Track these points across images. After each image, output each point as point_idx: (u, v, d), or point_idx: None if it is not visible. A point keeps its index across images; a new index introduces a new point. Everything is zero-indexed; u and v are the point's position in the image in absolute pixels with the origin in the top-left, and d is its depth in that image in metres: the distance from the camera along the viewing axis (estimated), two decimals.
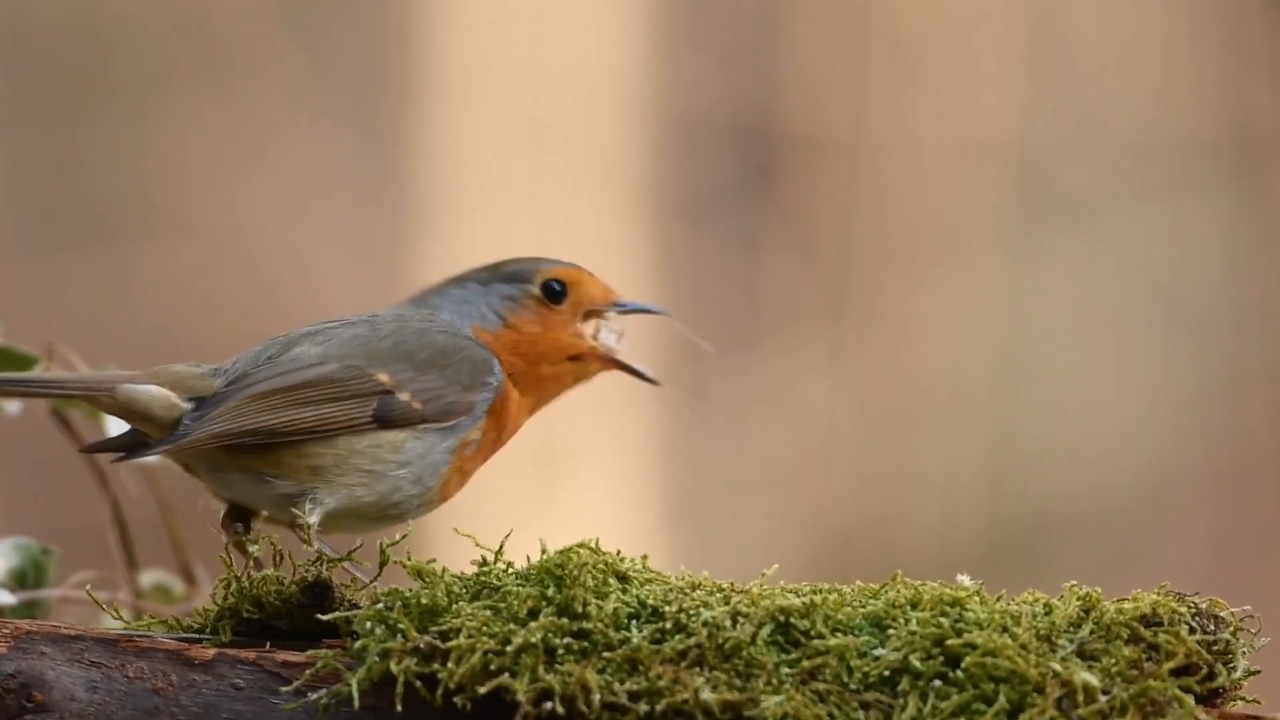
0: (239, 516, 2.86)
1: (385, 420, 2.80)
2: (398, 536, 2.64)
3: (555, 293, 2.94)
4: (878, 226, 6.49)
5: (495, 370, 2.88)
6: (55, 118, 6.41)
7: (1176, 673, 2.53)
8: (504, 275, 2.96)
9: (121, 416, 2.84)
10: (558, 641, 2.53)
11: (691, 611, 2.55)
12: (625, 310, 2.97)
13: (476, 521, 6.03)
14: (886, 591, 2.59)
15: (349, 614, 2.58)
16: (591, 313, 2.96)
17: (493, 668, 2.52)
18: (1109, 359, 6.49)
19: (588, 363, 2.94)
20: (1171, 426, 6.47)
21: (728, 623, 2.54)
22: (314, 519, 2.79)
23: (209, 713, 2.56)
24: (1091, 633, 2.54)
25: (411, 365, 2.83)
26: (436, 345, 2.87)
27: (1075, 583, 2.60)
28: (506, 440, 2.93)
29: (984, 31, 6.50)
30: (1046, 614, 2.56)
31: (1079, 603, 2.57)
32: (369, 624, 2.55)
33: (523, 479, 6.26)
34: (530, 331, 2.92)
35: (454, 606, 2.55)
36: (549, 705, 2.50)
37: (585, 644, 2.53)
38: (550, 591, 2.56)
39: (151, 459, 2.93)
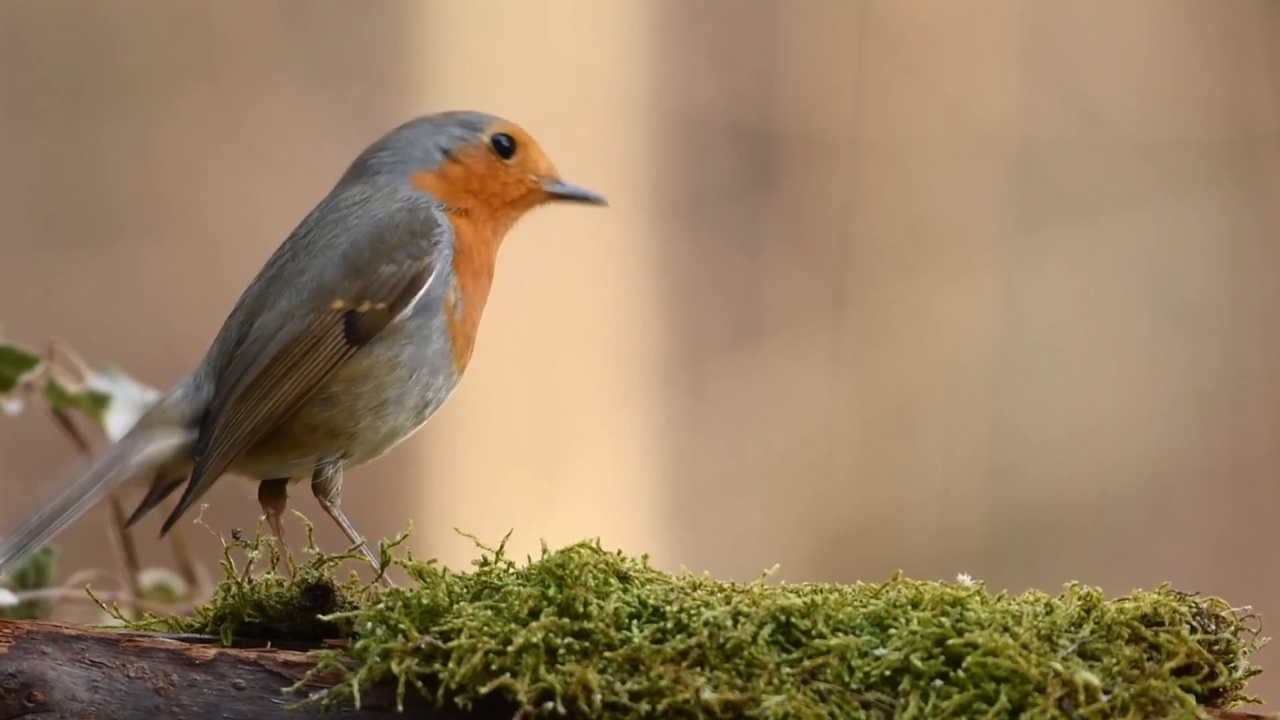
0: (273, 487, 2.85)
1: (359, 337, 2.77)
2: (398, 536, 2.63)
3: (504, 148, 2.92)
4: (877, 226, 6.49)
5: (436, 219, 2.84)
6: (55, 117, 6.40)
7: (1177, 672, 2.53)
8: (458, 120, 2.93)
9: (148, 477, 2.82)
10: (559, 641, 2.52)
11: (692, 611, 2.55)
12: (560, 194, 2.96)
13: (477, 521, 6.03)
14: (887, 591, 2.59)
15: (350, 614, 2.58)
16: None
17: (494, 668, 2.52)
18: (1109, 359, 6.48)
19: (534, 199, 2.94)
20: (1171, 426, 6.47)
21: (729, 622, 2.54)
22: (337, 485, 2.78)
23: (210, 712, 2.56)
24: (1092, 632, 2.54)
25: (359, 273, 2.79)
26: (370, 234, 2.82)
27: (1076, 582, 2.60)
28: (488, 280, 2.89)
29: (983, 30, 6.50)
30: (1047, 614, 2.56)
31: (1080, 602, 2.57)
32: (370, 624, 2.54)
33: (523, 479, 6.26)
34: (479, 171, 2.90)
35: (455, 606, 2.55)
36: (550, 705, 2.50)
37: (586, 644, 2.53)
38: (551, 591, 2.55)
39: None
